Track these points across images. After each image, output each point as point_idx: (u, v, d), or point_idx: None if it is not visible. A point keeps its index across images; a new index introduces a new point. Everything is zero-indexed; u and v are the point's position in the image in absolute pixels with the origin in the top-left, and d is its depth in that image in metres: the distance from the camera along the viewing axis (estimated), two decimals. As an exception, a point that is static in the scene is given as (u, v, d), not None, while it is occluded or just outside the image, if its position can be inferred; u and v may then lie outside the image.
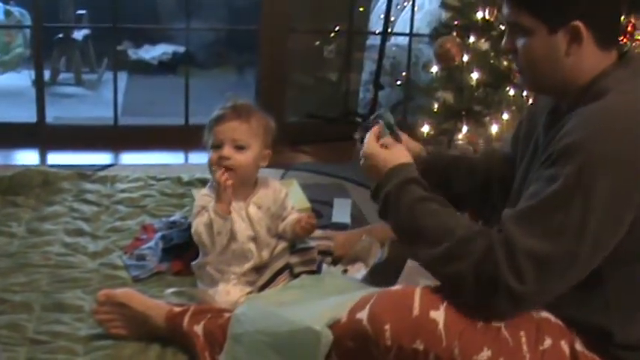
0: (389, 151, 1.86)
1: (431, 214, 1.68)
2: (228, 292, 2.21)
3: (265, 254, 2.29)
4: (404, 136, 1.98)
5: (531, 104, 1.93)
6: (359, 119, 4.25)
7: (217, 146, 2.23)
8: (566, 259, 1.53)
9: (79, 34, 5.77)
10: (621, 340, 1.63)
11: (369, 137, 1.90)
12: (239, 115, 2.22)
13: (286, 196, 2.36)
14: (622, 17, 1.70)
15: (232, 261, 2.25)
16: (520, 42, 1.67)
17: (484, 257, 1.56)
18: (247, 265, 2.26)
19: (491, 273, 1.54)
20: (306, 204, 2.91)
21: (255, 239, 2.28)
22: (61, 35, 5.64)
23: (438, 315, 1.61)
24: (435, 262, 1.65)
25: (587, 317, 1.64)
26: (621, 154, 1.52)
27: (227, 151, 2.21)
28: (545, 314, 1.66)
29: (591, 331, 1.64)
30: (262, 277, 2.27)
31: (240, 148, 2.22)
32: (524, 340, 1.61)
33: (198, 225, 2.21)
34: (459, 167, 2.11)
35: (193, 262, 2.34)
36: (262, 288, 2.24)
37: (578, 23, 1.59)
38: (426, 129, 3.13)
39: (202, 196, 2.31)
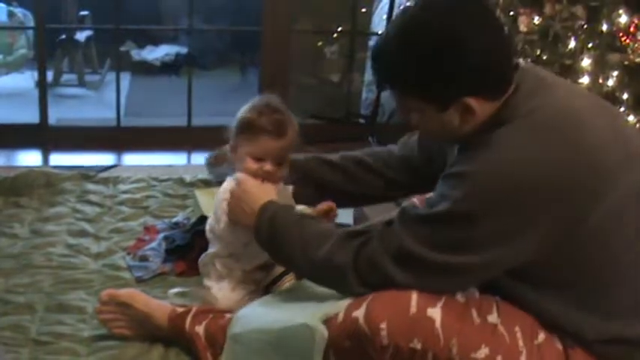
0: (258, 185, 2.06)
1: (310, 229, 1.83)
2: (234, 289, 2.21)
3: None
4: None
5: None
6: (361, 120, 4.25)
7: (259, 159, 2.21)
8: (447, 268, 1.60)
9: (81, 35, 5.77)
10: (593, 337, 1.64)
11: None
12: (281, 132, 2.19)
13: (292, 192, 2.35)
14: (511, 61, 1.67)
15: (242, 257, 2.25)
16: (414, 117, 1.70)
17: (361, 246, 1.69)
18: (256, 262, 2.26)
19: (368, 256, 1.67)
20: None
21: None
22: (63, 36, 5.64)
23: (435, 313, 1.61)
24: (316, 266, 1.77)
25: (559, 320, 1.65)
26: (505, 188, 1.54)
27: (270, 167, 2.20)
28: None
29: (567, 330, 1.65)
30: (268, 277, 2.26)
31: (280, 163, 2.23)
32: (519, 335, 1.63)
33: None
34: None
35: (201, 257, 2.33)
36: (267, 287, 2.24)
37: (468, 100, 1.60)
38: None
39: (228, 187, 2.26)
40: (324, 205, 2.18)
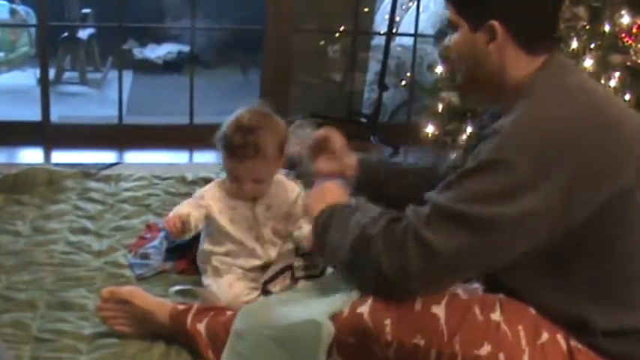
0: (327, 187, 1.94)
1: (353, 214, 1.75)
2: (231, 285, 2.22)
3: (272, 253, 2.30)
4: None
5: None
6: (363, 119, 4.25)
7: (236, 179, 2.26)
8: (480, 224, 1.55)
9: (84, 33, 5.78)
10: (603, 328, 1.63)
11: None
12: (256, 152, 2.20)
13: (299, 196, 2.35)
14: (554, 23, 1.73)
15: (239, 254, 2.26)
16: (452, 37, 1.75)
17: (394, 219, 1.64)
18: (254, 262, 2.27)
19: (402, 231, 1.60)
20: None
21: (258, 239, 2.29)
22: (66, 34, 5.65)
23: (439, 310, 1.62)
24: (353, 245, 1.68)
25: (565, 308, 1.65)
26: (537, 136, 1.55)
27: (247, 186, 2.25)
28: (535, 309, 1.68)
29: (574, 323, 1.65)
30: (266, 274, 2.27)
31: (257, 181, 2.25)
32: (522, 334, 1.62)
33: (181, 206, 2.28)
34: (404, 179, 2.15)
35: (198, 251, 2.34)
36: (264, 284, 2.24)
37: (494, 23, 1.64)
38: (430, 130, 3.13)
39: (212, 187, 2.34)
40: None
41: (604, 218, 1.59)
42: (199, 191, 2.37)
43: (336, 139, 2.11)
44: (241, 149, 2.20)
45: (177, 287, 2.34)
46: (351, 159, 2.13)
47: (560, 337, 1.65)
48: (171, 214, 2.25)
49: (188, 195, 3.13)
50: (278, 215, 2.32)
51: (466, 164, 1.63)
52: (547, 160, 1.54)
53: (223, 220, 2.29)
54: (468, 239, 1.56)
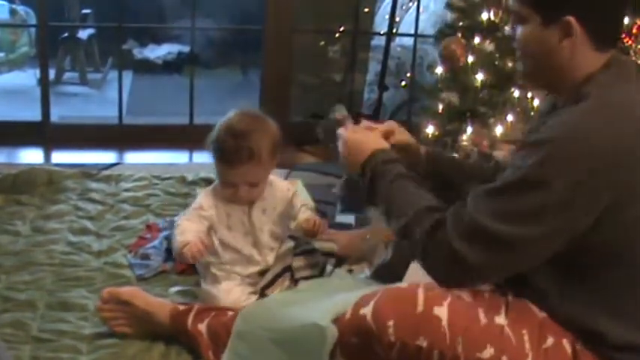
0: (370, 135, 1.96)
1: (403, 189, 1.79)
2: (230, 291, 2.21)
3: (270, 259, 2.28)
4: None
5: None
6: (365, 120, 4.24)
7: (230, 185, 2.20)
8: (511, 240, 1.58)
9: (84, 34, 5.78)
10: (613, 342, 1.63)
11: (349, 127, 2.03)
12: (250, 157, 2.15)
13: (295, 194, 2.33)
14: (622, 20, 1.71)
15: (237, 262, 2.25)
16: (518, 30, 1.71)
17: (437, 224, 1.66)
18: (252, 269, 2.25)
19: (442, 237, 1.64)
20: (310, 204, 2.91)
21: (256, 244, 2.27)
22: (66, 34, 5.66)
23: (442, 311, 1.61)
24: (400, 234, 1.77)
25: (578, 320, 1.65)
26: (581, 155, 1.54)
27: (243, 191, 2.20)
28: (546, 314, 1.67)
29: (584, 333, 1.64)
30: (264, 279, 2.26)
31: (253, 184, 2.21)
32: (526, 338, 1.62)
33: (185, 225, 2.18)
34: (471, 176, 2.11)
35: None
36: (263, 289, 2.24)
37: (571, 19, 1.61)
38: (430, 130, 3.13)
39: (207, 195, 2.27)
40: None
41: (628, 233, 1.59)
42: (197, 202, 2.27)
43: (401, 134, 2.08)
44: (235, 154, 2.15)
45: (177, 288, 2.35)
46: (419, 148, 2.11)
47: (565, 342, 1.64)
48: (180, 238, 2.12)
49: (188, 195, 3.14)
50: (274, 217, 2.29)
51: (512, 166, 1.63)
52: (589, 183, 1.54)
53: (221, 229, 2.24)
54: (499, 256, 1.61)
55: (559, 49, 1.64)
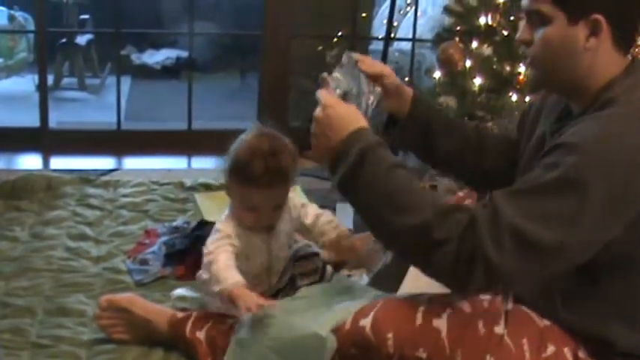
0: (350, 108, 1.72)
1: (408, 181, 1.61)
2: (230, 309, 2.17)
3: (274, 280, 2.23)
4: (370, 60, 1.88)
5: (543, 96, 1.89)
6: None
7: (253, 209, 2.09)
8: (549, 246, 1.49)
9: (82, 39, 5.78)
10: (623, 349, 1.62)
11: (326, 90, 1.77)
12: (282, 178, 2.06)
13: (302, 206, 2.24)
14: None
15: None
16: (538, 32, 1.63)
17: (467, 227, 1.51)
18: (258, 289, 2.19)
19: (473, 242, 1.49)
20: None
21: (268, 270, 2.21)
22: (64, 40, 5.66)
23: (441, 323, 1.61)
24: (411, 232, 1.56)
25: (588, 326, 1.63)
26: (620, 159, 1.50)
27: (266, 214, 2.09)
28: (548, 322, 1.66)
29: (593, 340, 1.63)
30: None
31: (277, 206, 2.12)
32: (526, 347, 1.61)
33: (224, 259, 2.01)
34: (452, 129, 2.01)
35: (198, 274, 2.30)
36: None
37: (600, 17, 1.57)
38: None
39: (229, 223, 2.11)
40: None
41: None
42: (223, 230, 2.08)
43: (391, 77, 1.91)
44: (265, 177, 2.02)
45: (179, 290, 2.32)
46: (406, 91, 1.95)
47: (567, 350, 1.63)
48: (224, 275, 1.95)
49: (186, 201, 3.14)
50: (287, 237, 2.22)
51: (541, 165, 1.55)
52: (625, 190, 1.50)
53: (241, 259, 2.10)
54: (534, 262, 1.51)
55: (583, 50, 1.59)
